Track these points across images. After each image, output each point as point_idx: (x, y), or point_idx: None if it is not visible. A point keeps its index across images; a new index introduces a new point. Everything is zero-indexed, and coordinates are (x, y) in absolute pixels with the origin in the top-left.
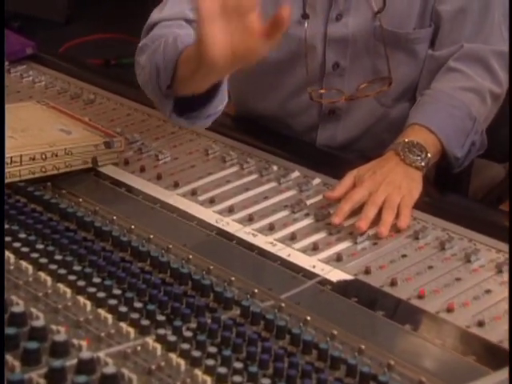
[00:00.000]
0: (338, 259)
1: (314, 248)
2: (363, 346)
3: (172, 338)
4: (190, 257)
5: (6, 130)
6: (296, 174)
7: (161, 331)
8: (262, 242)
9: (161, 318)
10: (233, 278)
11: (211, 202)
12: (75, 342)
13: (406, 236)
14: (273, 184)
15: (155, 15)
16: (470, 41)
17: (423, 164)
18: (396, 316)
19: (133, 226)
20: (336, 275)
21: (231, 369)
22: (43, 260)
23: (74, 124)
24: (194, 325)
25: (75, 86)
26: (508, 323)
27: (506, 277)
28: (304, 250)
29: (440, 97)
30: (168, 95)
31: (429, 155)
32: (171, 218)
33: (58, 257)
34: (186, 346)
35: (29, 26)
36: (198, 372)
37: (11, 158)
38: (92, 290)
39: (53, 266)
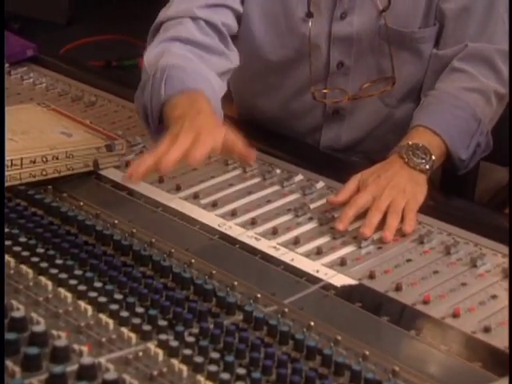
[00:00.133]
0: (341, 264)
1: (318, 252)
2: (368, 352)
3: (174, 344)
4: (193, 261)
5: (6, 132)
6: (299, 177)
7: (163, 336)
8: (265, 246)
9: (163, 323)
10: (235, 283)
11: (213, 205)
12: (76, 347)
13: (411, 240)
14: (276, 187)
15: (162, 14)
16: (475, 40)
17: (428, 167)
18: (401, 321)
19: (134, 230)
20: (340, 280)
21: (234, 375)
22: (44, 264)
23: (75, 126)
24: (196, 330)
25: (76, 88)
26: (508, 327)
27: None
28: (307, 255)
29: (444, 98)
30: (159, 130)
31: (433, 158)
32: (173, 222)
33: (58, 261)
34: (188, 351)
35: (29, 27)
36: (200, 378)
37: (11, 160)
38: (93, 294)
39: (53, 271)
